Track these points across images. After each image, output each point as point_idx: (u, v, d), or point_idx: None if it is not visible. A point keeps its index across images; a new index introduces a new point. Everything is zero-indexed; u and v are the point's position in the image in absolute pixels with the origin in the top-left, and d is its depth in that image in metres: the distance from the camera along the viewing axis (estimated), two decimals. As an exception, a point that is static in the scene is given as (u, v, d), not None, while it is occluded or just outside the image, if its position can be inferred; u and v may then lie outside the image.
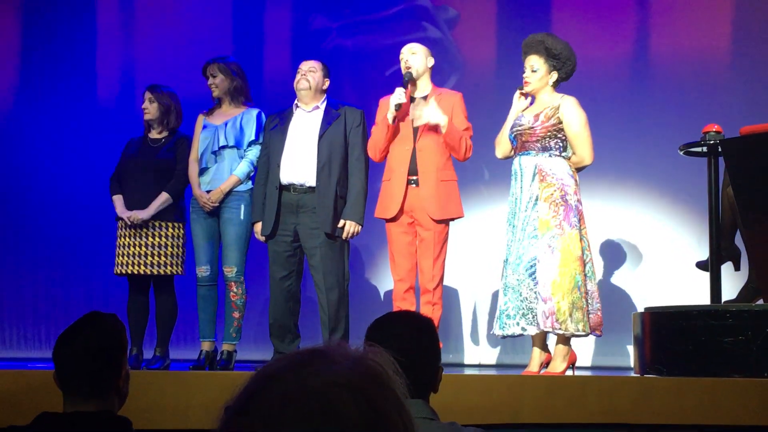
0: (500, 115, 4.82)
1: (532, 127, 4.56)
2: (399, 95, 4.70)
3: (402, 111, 4.77)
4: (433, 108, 4.71)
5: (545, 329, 4.36)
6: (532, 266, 4.41)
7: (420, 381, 2.15)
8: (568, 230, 4.42)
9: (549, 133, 4.55)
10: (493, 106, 5.48)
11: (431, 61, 4.89)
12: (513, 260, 4.49)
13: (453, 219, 4.85)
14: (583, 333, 4.36)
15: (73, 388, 2.26)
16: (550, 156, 4.54)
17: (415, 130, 4.79)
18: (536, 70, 4.64)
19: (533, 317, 4.38)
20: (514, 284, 4.46)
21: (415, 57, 4.83)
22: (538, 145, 4.55)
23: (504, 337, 4.54)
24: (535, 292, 4.38)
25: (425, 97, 4.84)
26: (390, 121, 4.74)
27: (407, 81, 4.78)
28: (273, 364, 1.02)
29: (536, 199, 4.47)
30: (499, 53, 6.74)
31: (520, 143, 4.61)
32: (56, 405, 2.25)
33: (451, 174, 4.82)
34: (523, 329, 4.43)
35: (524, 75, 4.66)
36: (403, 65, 4.83)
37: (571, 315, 4.33)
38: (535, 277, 4.39)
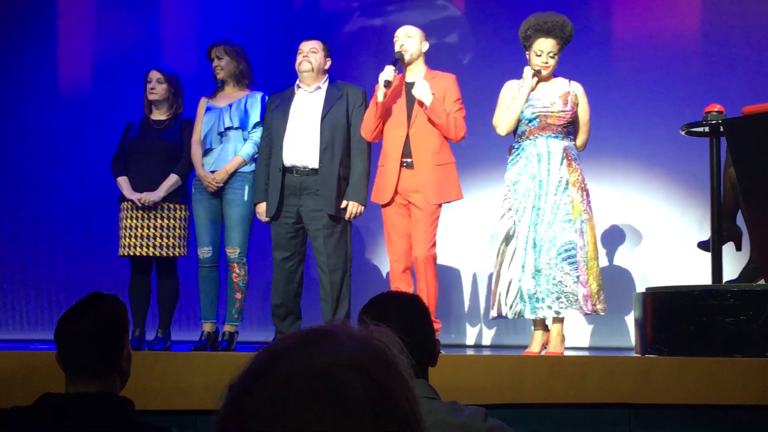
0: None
1: (564, 111, 4.58)
2: (388, 72, 4.69)
3: (396, 95, 4.78)
4: (423, 85, 4.71)
5: (587, 311, 4.48)
6: (567, 250, 4.44)
7: (418, 358, 2.16)
8: (591, 215, 4.57)
9: (573, 119, 4.63)
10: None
11: (426, 46, 4.88)
12: (542, 243, 4.48)
13: (451, 201, 4.87)
14: (604, 313, 4.59)
15: (76, 369, 2.26)
16: (571, 140, 4.64)
17: (409, 115, 4.79)
18: (554, 55, 4.64)
19: (568, 300, 4.40)
20: (544, 267, 4.46)
21: (410, 40, 4.83)
22: (565, 129, 4.60)
23: (511, 317, 4.56)
24: (576, 276, 4.41)
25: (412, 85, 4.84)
26: (380, 98, 4.72)
27: (398, 60, 4.77)
28: (278, 343, 1.02)
29: (567, 183, 4.51)
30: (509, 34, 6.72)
31: (544, 125, 4.59)
32: (59, 385, 2.25)
33: (447, 157, 4.81)
34: (557, 312, 4.45)
35: (540, 59, 4.64)
36: (397, 47, 4.82)
37: (598, 296, 4.50)
38: (574, 261, 4.41)
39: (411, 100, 4.80)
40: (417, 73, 4.85)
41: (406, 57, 4.80)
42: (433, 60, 5.05)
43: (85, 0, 7.33)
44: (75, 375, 2.26)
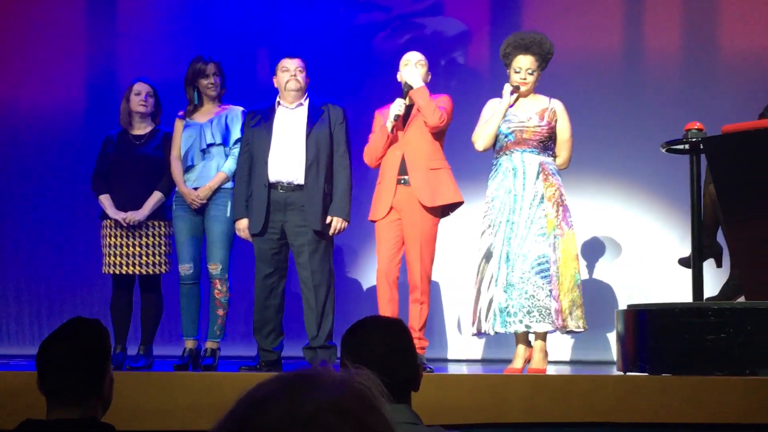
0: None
1: (540, 126, 4.62)
2: (399, 106, 4.75)
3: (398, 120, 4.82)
4: (414, 71, 4.75)
5: (558, 326, 4.46)
6: (540, 264, 4.45)
7: (401, 383, 2.18)
8: (566, 230, 4.57)
9: (550, 134, 4.65)
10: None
11: (428, 76, 4.90)
12: (515, 257, 4.50)
13: (447, 206, 4.85)
14: (582, 329, 4.56)
15: (57, 395, 2.25)
16: (549, 156, 4.64)
17: (405, 134, 4.82)
18: (533, 72, 4.68)
19: (540, 314, 4.42)
20: (517, 281, 4.47)
21: (422, 69, 4.84)
22: (542, 144, 4.63)
23: (493, 334, 4.56)
24: (549, 290, 4.42)
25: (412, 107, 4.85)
26: (389, 130, 4.77)
27: (407, 92, 4.79)
28: (260, 389, 1.02)
29: (541, 198, 4.53)
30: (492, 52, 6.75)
31: (519, 140, 4.63)
32: (40, 408, 2.24)
33: (440, 162, 4.83)
34: (527, 326, 4.46)
35: (519, 76, 4.69)
36: (407, 73, 4.82)
37: (571, 313, 4.47)
38: (547, 275, 4.43)
39: (407, 122, 4.82)
40: None
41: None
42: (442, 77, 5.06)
43: (51, 14, 7.29)
44: (56, 401, 2.25)
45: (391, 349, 2.21)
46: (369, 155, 4.90)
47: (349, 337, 2.25)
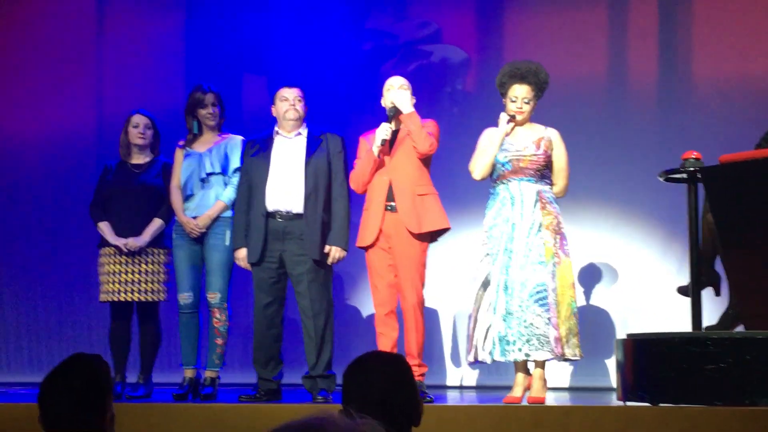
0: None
1: (536, 155, 4.64)
2: (385, 131, 4.78)
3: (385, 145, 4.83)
4: (403, 94, 4.79)
5: (556, 354, 4.47)
6: (538, 292, 4.46)
7: (402, 418, 2.18)
8: (563, 258, 4.58)
9: (547, 163, 4.68)
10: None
11: (413, 100, 4.92)
12: (514, 285, 4.52)
13: (435, 232, 4.86)
14: (579, 358, 4.58)
15: (58, 430, 2.25)
16: (546, 184, 4.67)
17: (391, 160, 4.84)
18: (528, 101, 4.71)
19: (540, 342, 4.43)
20: (516, 310, 4.48)
21: (406, 93, 4.86)
22: (538, 173, 4.65)
23: (491, 362, 4.57)
24: (548, 318, 4.43)
25: (398, 131, 4.88)
26: (375, 154, 4.79)
27: (392, 117, 4.82)
28: (269, 439, 1.03)
29: (539, 226, 4.55)
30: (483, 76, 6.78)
31: (516, 168, 4.65)
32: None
33: (427, 188, 4.85)
34: (527, 355, 4.47)
35: (515, 104, 4.72)
36: (389, 98, 4.86)
37: (567, 341, 4.48)
38: (545, 303, 4.44)
39: (392, 146, 4.85)
40: (400, 123, 4.90)
41: (399, 109, 4.85)
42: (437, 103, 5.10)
43: (56, 40, 7.33)
44: (58, 437, 2.25)
45: (392, 386, 2.21)
46: (355, 181, 4.91)
47: (349, 374, 2.25)
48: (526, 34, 6.68)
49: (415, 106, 4.85)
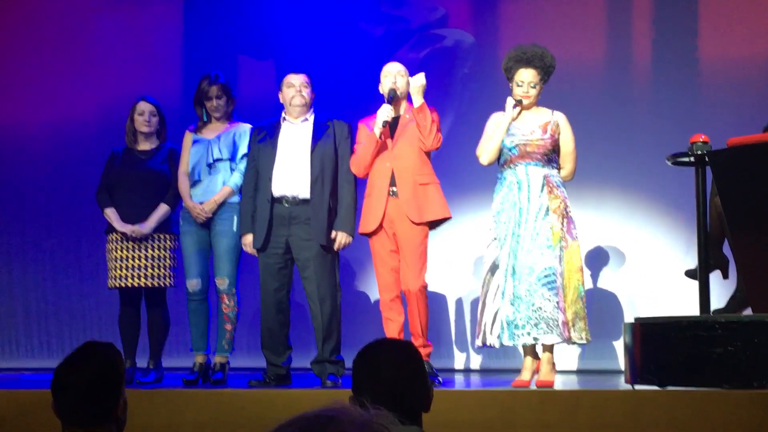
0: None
1: (543, 139, 4.64)
2: (387, 112, 4.78)
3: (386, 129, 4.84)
4: (420, 81, 4.78)
5: (566, 337, 4.47)
6: (547, 276, 4.47)
7: (412, 405, 2.20)
8: (570, 242, 4.58)
9: (554, 147, 4.68)
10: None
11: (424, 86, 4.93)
12: (522, 270, 4.52)
13: (436, 221, 4.88)
14: (585, 341, 4.59)
15: (72, 419, 2.28)
16: (553, 168, 4.67)
17: (394, 146, 4.85)
18: (535, 85, 4.71)
19: (548, 326, 4.43)
20: (524, 294, 4.49)
21: (402, 79, 4.88)
22: (546, 157, 4.65)
23: (499, 346, 4.58)
24: (556, 302, 4.44)
25: (398, 118, 4.90)
26: (378, 136, 4.80)
27: (392, 99, 4.82)
28: (282, 431, 1.04)
29: (547, 210, 4.55)
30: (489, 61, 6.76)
31: (523, 153, 4.65)
32: (52, 426, 2.26)
33: (429, 177, 4.87)
34: (535, 339, 4.48)
35: (521, 89, 4.72)
36: (389, 84, 4.86)
37: (574, 325, 4.49)
38: (554, 287, 4.45)
39: (394, 133, 4.85)
40: (401, 109, 4.90)
41: (398, 94, 4.86)
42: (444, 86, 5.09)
43: (61, 29, 7.34)
44: (71, 424, 2.27)
45: (401, 373, 2.22)
46: (357, 165, 4.92)
47: (359, 361, 2.26)
48: (529, 19, 6.66)
49: (428, 92, 4.85)
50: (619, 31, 6.59)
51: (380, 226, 4.84)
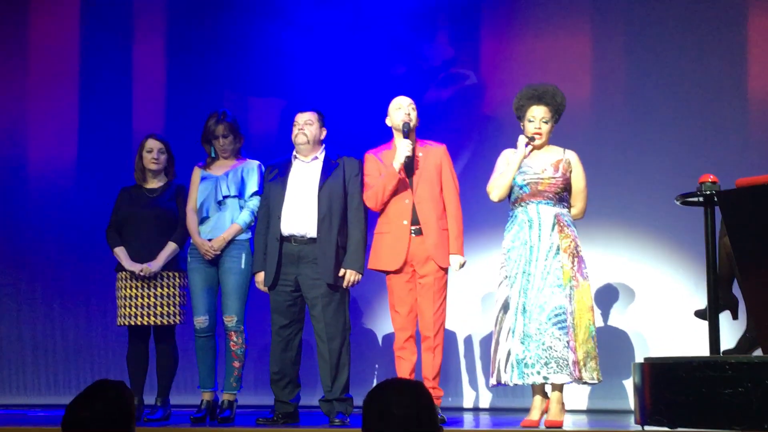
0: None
1: (554, 178, 4.66)
2: (408, 146, 4.82)
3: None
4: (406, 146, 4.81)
5: (575, 377, 4.46)
6: (557, 315, 4.47)
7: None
8: (581, 281, 4.58)
9: (565, 185, 4.70)
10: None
11: (417, 121, 4.99)
12: (532, 308, 4.53)
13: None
14: (597, 381, 4.58)
15: (82, 456, 2.28)
16: (564, 207, 4.68)
17: (411, 182, 4.88)
18: (547, 121, 4.74)
19: (558, 366, 4.43)
20: (534, 333, 4.49)
21: (414, 112, 4.93)
22: (557, 196, 4.67)
23: (512, 385, 4.57)
24: (566, 342, 4.44)
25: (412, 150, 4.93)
26: (397, 170, 4.83)
27: (407, 131, 4.86)
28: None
29: (557, 249, 4.56)
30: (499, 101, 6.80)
31: (534, 191, 4.67)
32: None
33: (445, 222, 4.93)
34: (545, 378, 4.47)
35: (533, 125, 4.75)
36: (402, 117, 4.90)
37: (585, 364, 4.48)
38: (564, 326, 4.45)
39: (411, 168, 4.88)
40: (412, 141, 4.93)
41: (411, 126, 4.91)
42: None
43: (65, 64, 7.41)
44: (81, 462, 2.28)
45: (411, 414, 2.22)
46: (374, 199, 4.92)
47: (369, 404, 2.27)
48: (540, 58, 6.70)
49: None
50: (632, 71, 6.62)
51: (403, 265, 4.85)
